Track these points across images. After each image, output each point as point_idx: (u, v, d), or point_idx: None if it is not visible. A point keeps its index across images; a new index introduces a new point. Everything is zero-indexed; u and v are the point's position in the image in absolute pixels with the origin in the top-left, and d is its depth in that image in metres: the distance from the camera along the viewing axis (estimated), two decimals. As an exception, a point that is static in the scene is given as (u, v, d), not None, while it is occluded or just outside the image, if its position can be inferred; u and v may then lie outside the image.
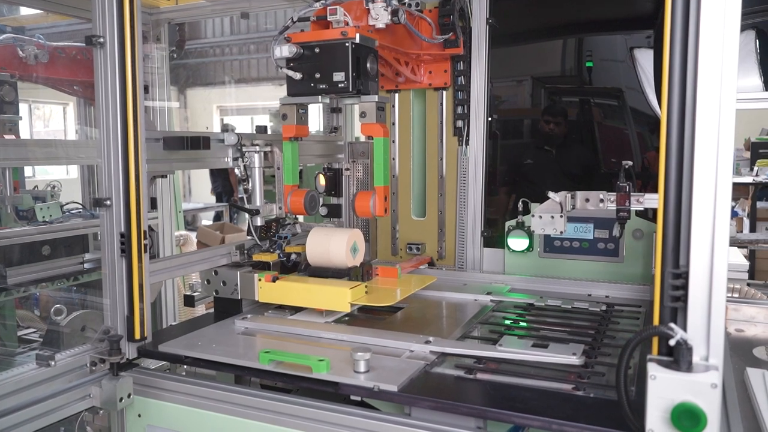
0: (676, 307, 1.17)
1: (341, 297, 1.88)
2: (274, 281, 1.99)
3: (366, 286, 1.96)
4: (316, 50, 1.92)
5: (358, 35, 1.88)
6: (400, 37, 2.36)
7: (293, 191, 2.15)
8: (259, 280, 2.00)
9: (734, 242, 4.72)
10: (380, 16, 1.98)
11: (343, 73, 1.89)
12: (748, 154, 6.86)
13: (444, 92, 2.69)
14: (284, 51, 1.90)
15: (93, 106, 3.79)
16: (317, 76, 1.92)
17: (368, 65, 1.95)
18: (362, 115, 2.01)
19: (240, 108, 13.07)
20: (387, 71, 2.50)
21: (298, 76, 1.94)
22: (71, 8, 3.03)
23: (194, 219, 9.36)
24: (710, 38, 1.10)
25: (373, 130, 2.03)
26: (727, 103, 1.08)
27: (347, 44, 1.88)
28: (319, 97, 1.98)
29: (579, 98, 3.45)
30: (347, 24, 1.91)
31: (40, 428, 1.57)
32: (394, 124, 2.80)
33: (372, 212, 2.05)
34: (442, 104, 2.70)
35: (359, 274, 2.05)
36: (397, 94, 2.79)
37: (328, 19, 1.91)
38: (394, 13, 2.00)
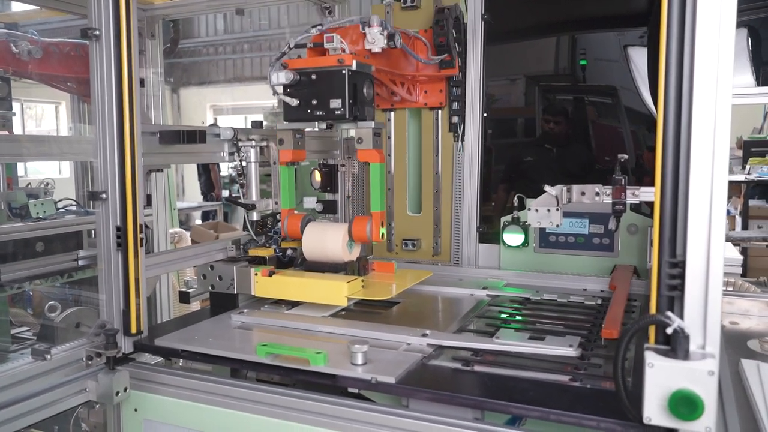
0: (673, 296, 1.17)
1: (338, 291, 1.88)
2: (270, 276, 1.99)
3: (362, 281, 1.96)
4: (313, 77, 1.92)
5: (354, 62, 1.88)
6: (396, 59, 2.37)
7: (290, 215, 2.14)
8: (256, 274, 2.00)
9: (727, 240, 4.74)
10: (377, 41, 1.99)
11: (339, 100, 1.89)
12: (740, 153, 6.91)
13: (439, 111, 2.69)
14: (281, 77, 1.90)
15: (86, 102, 3.77)
16: (314, 102, 1.93)
17: (365, 91, 1.96)
18: (359, 141, 2.01)
19: (234, 107, 13.05)
20: (382, 91, 2.52)
21: (294, 102, 1.94)
22: (65, 3, 3.01)
23: (188, 218, 9.33)
24: (707, 26, 1.11)
25: (369, 156, 2.03)
26: (723, 89, 1.09)
27: (344, 71, 1.88)
28: (316, 123, 1.98)
29: (573, 96, 3.47)
30: (344, 51, 1.91)
31: (35, 422, 1.56)
32: (389, 137, 2.80)
33: (368, 238, 2.05)
34: (437, 124, 2.71)
35: (355, 268, 2.06)
36: (392, 113, 2.80)
37: (325, 47, 1.91)
38: (390, 37, 2.00)
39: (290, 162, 2.12)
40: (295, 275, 2.03)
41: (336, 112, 1.90)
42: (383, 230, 2.07)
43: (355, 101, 1.91)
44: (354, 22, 2.03)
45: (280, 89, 1.94)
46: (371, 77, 2.01)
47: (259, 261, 2.11)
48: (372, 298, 1.94)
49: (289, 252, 2.19)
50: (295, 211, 2.18)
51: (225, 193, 9.95)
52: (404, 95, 2.58)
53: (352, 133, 2.22)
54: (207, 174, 9.99)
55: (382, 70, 2.19)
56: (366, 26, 1.99)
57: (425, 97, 2.68)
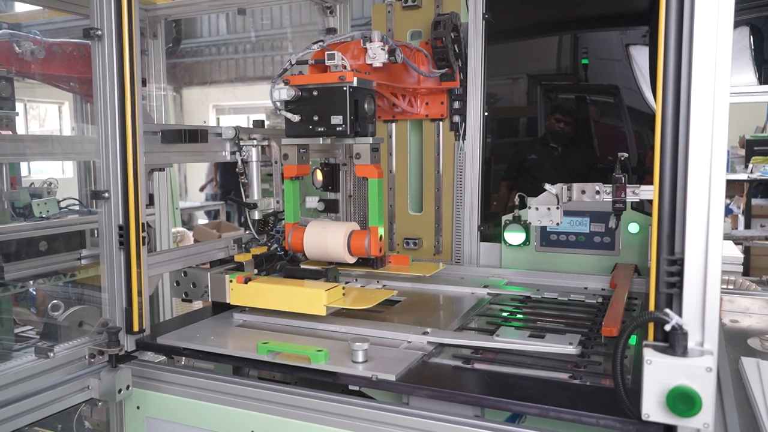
0: (672, 294, 1.18)
1: (316, 299, 1.77)
2: (246, 282, 1.89)
3: (343, 288, 1.87)
4: (315, 93, 1.93)
5: (355, 79, 1.89)
6: (397, 72, 2.37)
7: (294, 228, 2.13)
8: (231, 281, 1.89)
9: (729, 238, 4.74)
10: (378, 56, 1.99)
11: (341, 117, 1.90)
12: (743, 152, 6.88)
13: (441, 123, 2.70)
14: (282, 94, 1.91)
15: (89, 102, 3.79)
16: (315, 118, 1.93)
17: (366, 106, 1.96)
18: (357, 156, 2.01)
19: (237, 107, 13.05)
20: (383, 103, 2.51)
21: (296, 118, 1.95)
22: (68, 3, 3.03)
23: (190, 218, 9.34)
24: (705, 23, 1.11)
25: (367, 172, 2.03)
26: (721, 87, 1.10)
27: (345, 88, 1.88)
28: (320, 139, 1.99)
29: (576, 95, 3.47)
30: (345, 68, 1.91)
31: (38, 420, 1.57)
32: (390, 136, 2.81)
33: (367, 252, 2.04)
34: (438, 134, 2.71)
35: (336, 274, 2.03)
36: (394, 124, 2.81)
37: (326, 64, 1.91)
38: (392, 52, 2.01)
39: (295, 177, 2.12)
40: (272, 282, 1.93)
41: (337, 128, 1.91)
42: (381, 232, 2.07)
43: (357, 117, 1.92)
44: (355, 37, 2.04)
45: (282, 105, 1.95)
46: (372, 93, 2.02)
47: (256, 263, 2.10)
48: (352, 307, 1.84)
49: (290, 251, 2.19)
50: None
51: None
52: (405, 107, 2.59)
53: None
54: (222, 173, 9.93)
55: (383, 83, 2.20)
56: (367, 41, 2.00)
57: (426, 109, 2.69)
